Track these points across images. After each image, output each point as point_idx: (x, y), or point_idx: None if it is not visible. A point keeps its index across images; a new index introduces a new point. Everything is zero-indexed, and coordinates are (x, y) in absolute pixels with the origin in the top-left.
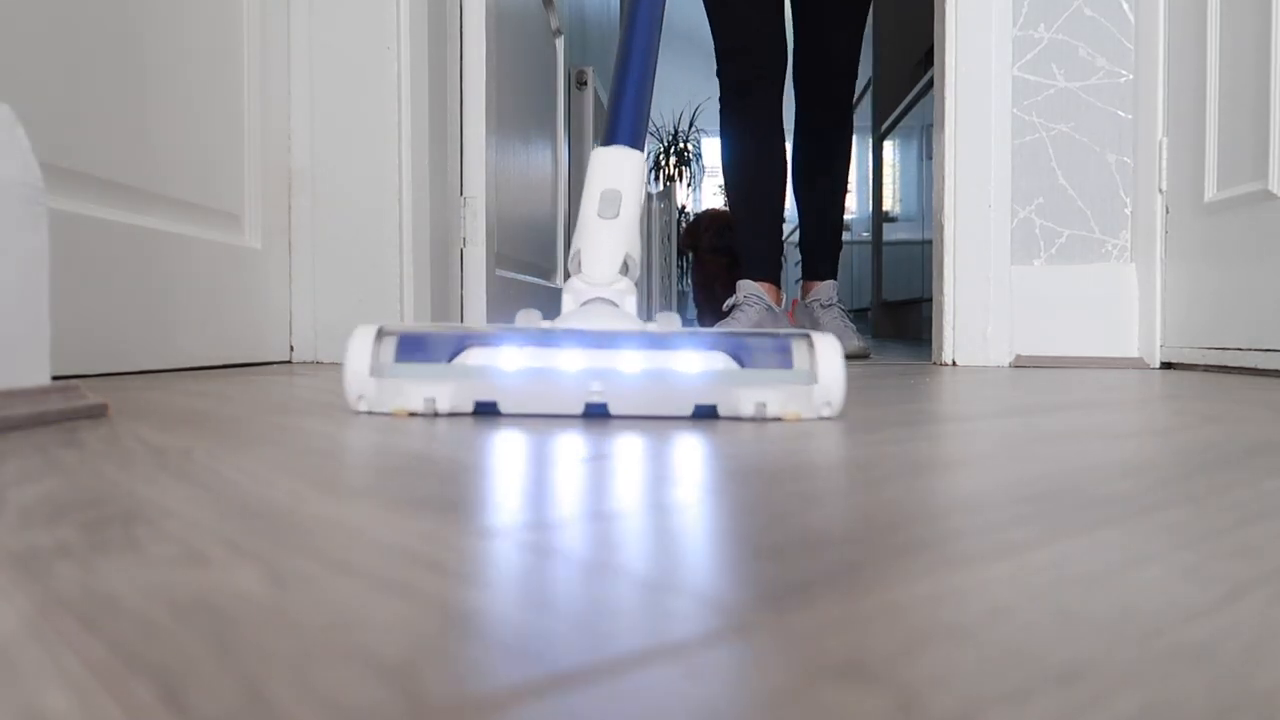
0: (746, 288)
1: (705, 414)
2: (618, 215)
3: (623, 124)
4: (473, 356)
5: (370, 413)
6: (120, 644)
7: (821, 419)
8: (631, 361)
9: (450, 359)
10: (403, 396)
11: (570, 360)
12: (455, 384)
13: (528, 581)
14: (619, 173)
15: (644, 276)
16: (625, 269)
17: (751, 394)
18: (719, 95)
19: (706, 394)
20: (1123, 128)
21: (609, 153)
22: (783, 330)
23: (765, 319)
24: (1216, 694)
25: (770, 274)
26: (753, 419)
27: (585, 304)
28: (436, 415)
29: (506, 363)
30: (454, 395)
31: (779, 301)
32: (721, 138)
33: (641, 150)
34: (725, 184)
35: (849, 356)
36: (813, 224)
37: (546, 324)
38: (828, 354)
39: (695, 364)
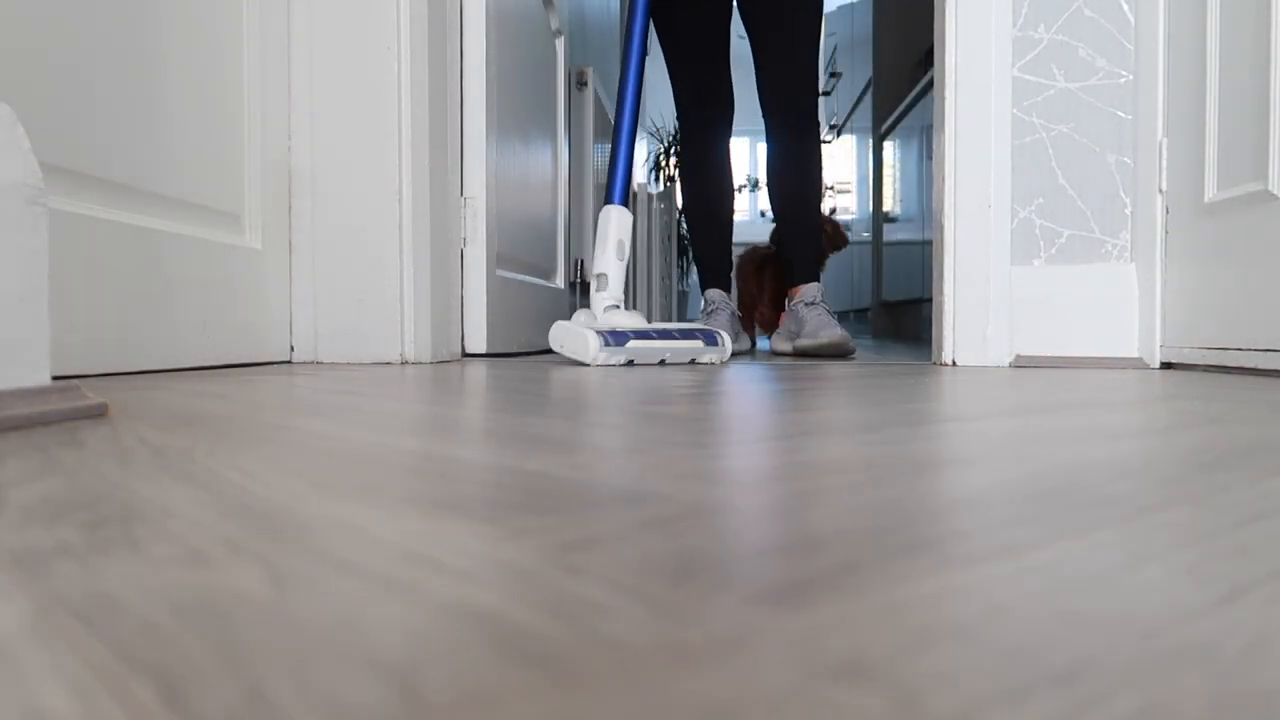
0: (716, 297)
1: (693, 362)
2: (624, 259)
3: (619, 188)
4: (633, 342)
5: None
6: (120, 644)
7: (723, 362)
8: (673, 340)
9: (625, 343)
10: (614, 358)
11: (656, 340)
12: (626, 353)
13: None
14: (623, 227)
15: (645, 276)
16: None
17: (706, 355)
18: (679, 136)
19: (696, 354)
20: (1123, 128)
21: (616, 210)
22: (713, 329)
23: (733, 319)
24: (1216, 694)
25: (726, 283)
26: (708, 364)
27: (608, 309)
28: (617, 365)
29: (640, 343)
30: (626, 356)
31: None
32: (680, 173)
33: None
34: (685, 212)
35: (827, 346)
36: (791, 231)
37: (653, 325)
38: (728, 340)
39: (691, 341)
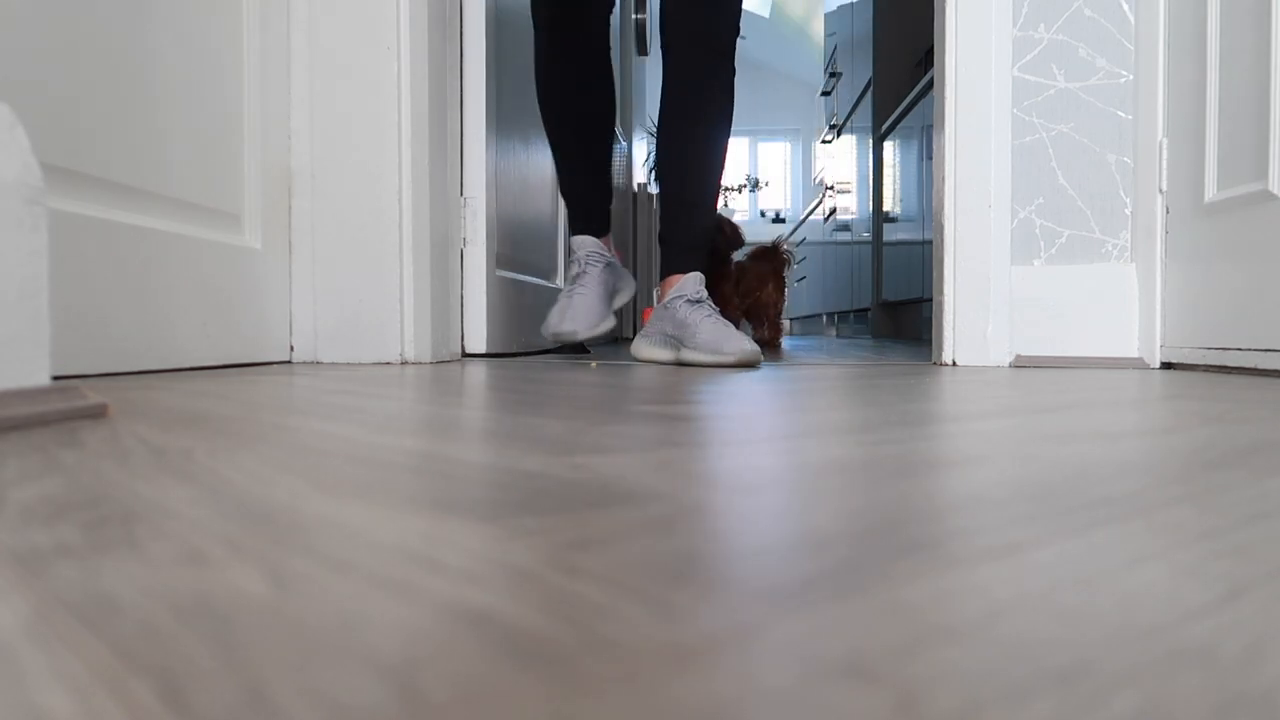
0: (585, 245)
1: None
2: None
3: None
4: None
5: None
6: (120, 644)
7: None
8: None
9: None
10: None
11: None
12: None
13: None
14: None
15: (645, 275)
16: None
17: None
18: (534, 35)
19: None
20: (1123, 128)
21: None
22: None
23: (608, 277)
24: (1216, 694)
25: (604, 226)
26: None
27: None
28: None
29: None
30: None
31: (613, 251)
32: (537, 83)
33: None
34: (548, 124)
35: (736, 365)
36: (672, 199)
37: None
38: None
39: None
